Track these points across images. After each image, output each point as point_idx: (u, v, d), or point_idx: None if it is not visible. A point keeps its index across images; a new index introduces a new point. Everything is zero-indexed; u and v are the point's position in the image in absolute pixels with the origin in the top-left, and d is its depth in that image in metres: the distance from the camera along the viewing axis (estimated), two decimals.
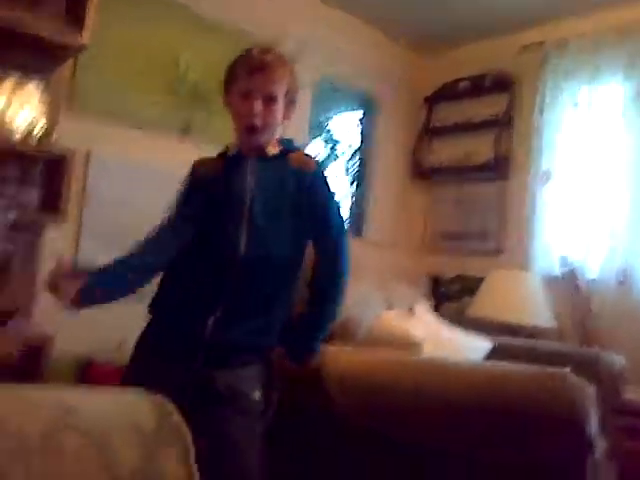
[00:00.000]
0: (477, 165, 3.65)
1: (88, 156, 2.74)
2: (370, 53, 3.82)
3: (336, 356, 1.80)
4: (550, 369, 1.54)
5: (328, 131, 4.08)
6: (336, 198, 1.70)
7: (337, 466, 1.76)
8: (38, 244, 2.57)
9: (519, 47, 3.55)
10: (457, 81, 3.83)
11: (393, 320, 2.09)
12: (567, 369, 1.54)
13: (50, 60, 2.56)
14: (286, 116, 1.63)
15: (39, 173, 2.57)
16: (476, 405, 1.56)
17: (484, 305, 3.11)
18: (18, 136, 2.39)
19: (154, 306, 1.62)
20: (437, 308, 3.47)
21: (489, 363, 1.90)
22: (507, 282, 3.09)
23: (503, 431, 1.56)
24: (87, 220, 2.72)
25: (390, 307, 2.29)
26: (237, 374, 1.53)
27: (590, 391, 1.51)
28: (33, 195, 2.56)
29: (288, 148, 1.66)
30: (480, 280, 3.23)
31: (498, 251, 3.56)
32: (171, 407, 0.91)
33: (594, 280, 3.05)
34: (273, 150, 1.62)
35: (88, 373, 2.47)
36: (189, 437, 0.89)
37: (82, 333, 2.56)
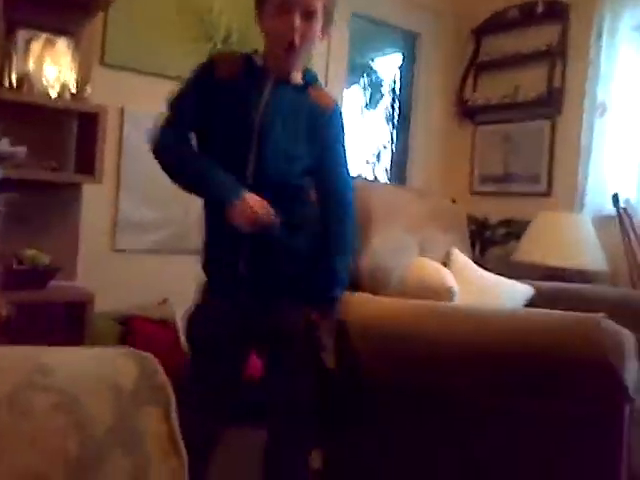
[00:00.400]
0: (528, 101, 3.42)
1: (122, 112, 2.74)
2: None
3: (360, 303, 1.75)
4: (583, 314, 1.44)
5: (370, 71, 3.90)
6: (347, 147, 1.65)
7: (361, 417, 1.74)
8: (77, 202, 2.63)
9: None
10: (506, 9, 3.56)
11: (426, 267, 2.01)
12: (601, 314, 1.44)
13: (79, 16, 2.56)
14: (324, 33, 1.54)
15: (74, 131, 2.62)
16: (505, 353, 1.50)
17: (531, 249, 2.97)
18: (51, 94, 2.42)
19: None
20: (482, 253, 3.36)
21: (521, 309, 1.81)
22: (556, 224, 2.93)
23: (534, 379, 1.49)
24: (124, 176, 2.75)
25: (424, 253, 2.21)
26: (282, 308, 1.53)
27: (626, 337, 1.42)
28: (69, 153, 2.62)
29: (310, 81, 1.59)
30: (528, 224, 3.09)
31: (548, 193, 3.37)
32: (156, 366, 0.89)
33: None
34: (296, 78, 1.55)
35: (130, 329, 2.53)
36: (172, 396, 0.87)
37: (124, 291, 2.64)
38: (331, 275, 1.56)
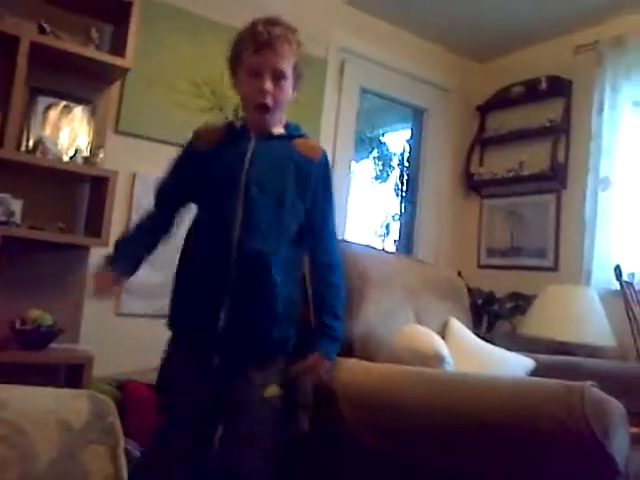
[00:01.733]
0: (533, 175, 3.47)
1: (134, 177, 2.83)
2: (418, 63, 3.76)
3: (346, 368, 1.72)
4: (568, 382, 1.40)
5: (381, 144, 4.02)
6: (334, 200, 1.66)
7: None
8: (84, 264, 2.68)
9: (574, 48, 3.39)
10: (510, 87, 3.69)
11: (416, 333, 1.98)
12: (588, 382, 1.39)
13: (96, 85, 2.70)
14: (295, 89, 1.58)
15: (85, 195, 2.71)
16: (485, 421, 1.44)
17: (537, 323, 2.92)
18: (64, 158, 2.52)
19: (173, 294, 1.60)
20: (490, 327, 3.31)
21: (503, 376, 1.76)
22: (562, 298, 2.89)
23: (516, 450, 1.42)
24: None
25: (420, 322, 2.19)
26: (253, 370, 1.51)
27: (614, 407, 1.36)
28: (80, 216, 2.70)
29: (293, 132, 1.60)
30: (535, 298, 3.05)
31: (555, 267, 3.36)
32: (109, 408, 0.89)
33: None
34: (278, 130, 1.57)
35: (127, 393, 2.50)
36: (121, 438, 0.87)
37: (124, 355, 2.63)
38: (324, 331, 1.56)
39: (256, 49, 1.49)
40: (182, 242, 1.61)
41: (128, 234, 1.68)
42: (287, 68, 1.51)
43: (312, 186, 1.57)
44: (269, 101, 1.49)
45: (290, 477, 1.66)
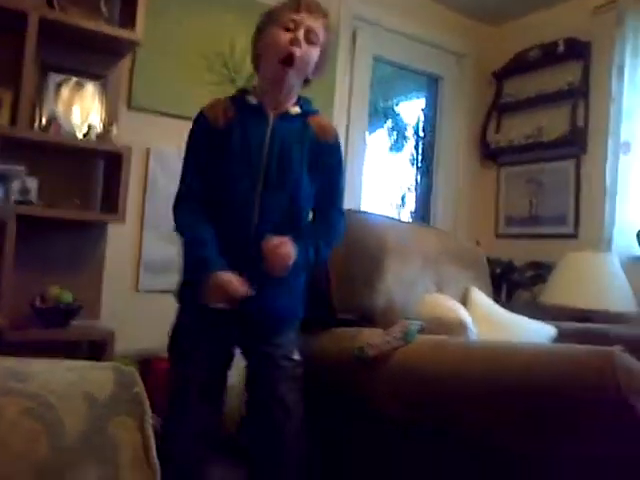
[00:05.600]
0: (551, 141, 3.39)
1: (148, 153, 2.81)
2: (431, 29, 3.67)
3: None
4: (595, 347, 1.38)
5: (395, 114, 3.95)
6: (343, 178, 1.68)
7: (370, 455, 1.68)
8: (102, 241, 2.68)
9: (592, 8, 3.29)
10: (527, 51, 3.60)
11: (439, 302, 1.96)
12: (617, 347, 1.37)
13: (107, 61, 2.67)
14: (318, 69, 1.57)
15: (100, 171, 2.70)
16: (514, 388, 1.43)
17: (558, 291, 2.88)
18: (77, 135, 2.51)
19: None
20: (509, 297, 3.28)
21: (529, 343, 1.73)
22: (582, 265, 2.84)
23: (546, 417, 1.41)
24: (148, 215, 2.79)
25: (441, 291, 2.17)
26: (274, 342, 1.55)
27: None
28: (95, 193, 2.69)
29: (308, 110, 1.60)
30: (555, 266, 3.01)
31: (575, 234, 3.31)
32: (134, 379, 0.88)
33: None
34: (294, 109, 1.56)
35: (150, 368, 2.52)
36: (147, 408, 0.86)
37: (145, 331, 2.62)
38: (308, 240, 1.53)
39: (296, 9, 1.50)
40: None
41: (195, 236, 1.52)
42: (319, 35, 1.52)
43: (324, 168, 1.59)
44: (297, 51, 1.47)
45: (316, 450, 1.66)
